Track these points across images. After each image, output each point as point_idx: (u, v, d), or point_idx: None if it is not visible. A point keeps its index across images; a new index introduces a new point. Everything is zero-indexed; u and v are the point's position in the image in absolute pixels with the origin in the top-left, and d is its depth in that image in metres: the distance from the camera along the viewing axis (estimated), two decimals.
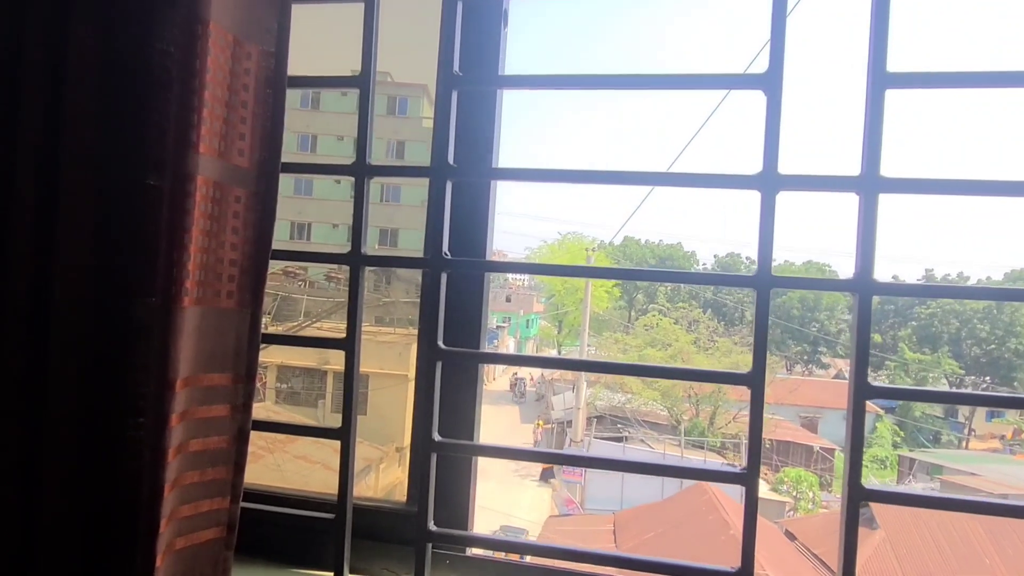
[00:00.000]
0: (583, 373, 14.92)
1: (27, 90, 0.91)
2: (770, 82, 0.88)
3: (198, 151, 0.85)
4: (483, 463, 1.17)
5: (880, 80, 0.85)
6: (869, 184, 0.85)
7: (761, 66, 0.90)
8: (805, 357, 29.92)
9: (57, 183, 0.89)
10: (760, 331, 0.90)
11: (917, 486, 15.86)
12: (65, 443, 0.89)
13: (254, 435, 0.95)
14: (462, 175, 1.03)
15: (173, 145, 0.84)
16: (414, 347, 1.17)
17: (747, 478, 0.89)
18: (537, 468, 14.97)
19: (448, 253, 1.01)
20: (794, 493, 14.66)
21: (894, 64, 0.86)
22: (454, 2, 1.00)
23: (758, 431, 0.90)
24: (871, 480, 16.84)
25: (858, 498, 0.86)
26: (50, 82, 0.90)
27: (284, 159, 0.95)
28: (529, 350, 31.92)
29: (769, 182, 0.88)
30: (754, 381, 0.90)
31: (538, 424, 18.70)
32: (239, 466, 0.93)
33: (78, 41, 0.90)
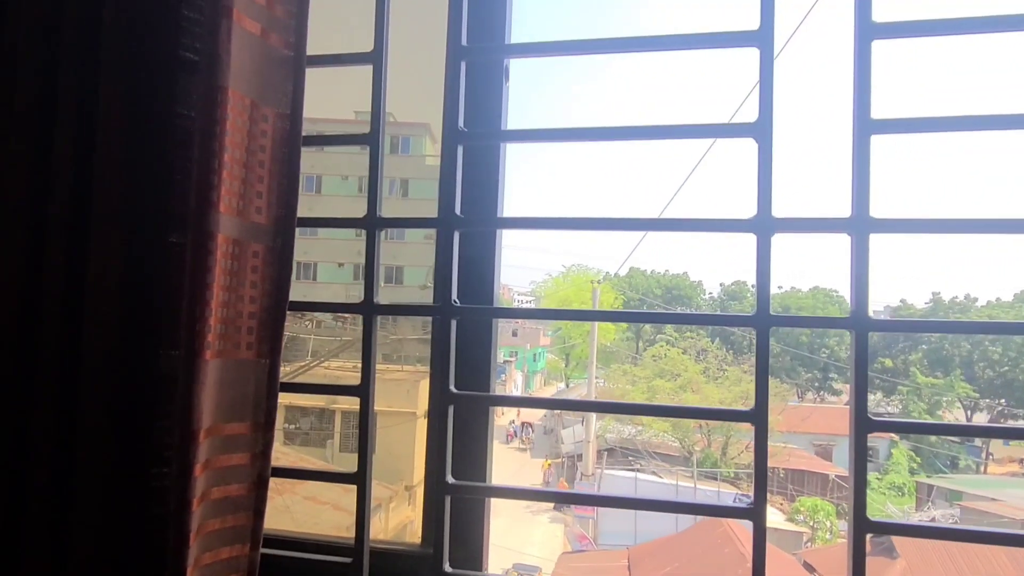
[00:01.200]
0: None
1: (58, 153, 0.96)
2: (760, 130, 0.92)
3: (218, 210, 0.88)
4: (494, 499, 1.18)
5: (865, 127, 0.89)
6: (859, 225, 0.89)
7: (752, 114, 0.94)
8: (816, 384, 29.58)
9: (87, 242, 0.94)
10: (761, 368, 0.93)
11: (936, 513, 15.53)
12: (93, 492, 0.91)
13: None
14: (469, 225, 1.08)
15: (194, 205, 0.87)
16: (423, 384, 1.19)
17: (755, 513, 0.91)
18: (548, 504, 14.82)
19: (457, 300, 1.04)
20: (811, 523, 14.38)
21: (878, 110, 0.90)
22: (457, 61, 1.05)
23: (763, 466, 0.92)
24: (888, 507, 16.55)
25: (864, 530, 0.88)
26: (80, 146, 0.95)
27: None
28: (537, 384, 31.77)
29: (764, 225, 0.92)
30: (757, 417, 0.92)
31: (545, 464, 18.54)
32: (259, 512, 0.95)
33: (105, 106, 0.95)
